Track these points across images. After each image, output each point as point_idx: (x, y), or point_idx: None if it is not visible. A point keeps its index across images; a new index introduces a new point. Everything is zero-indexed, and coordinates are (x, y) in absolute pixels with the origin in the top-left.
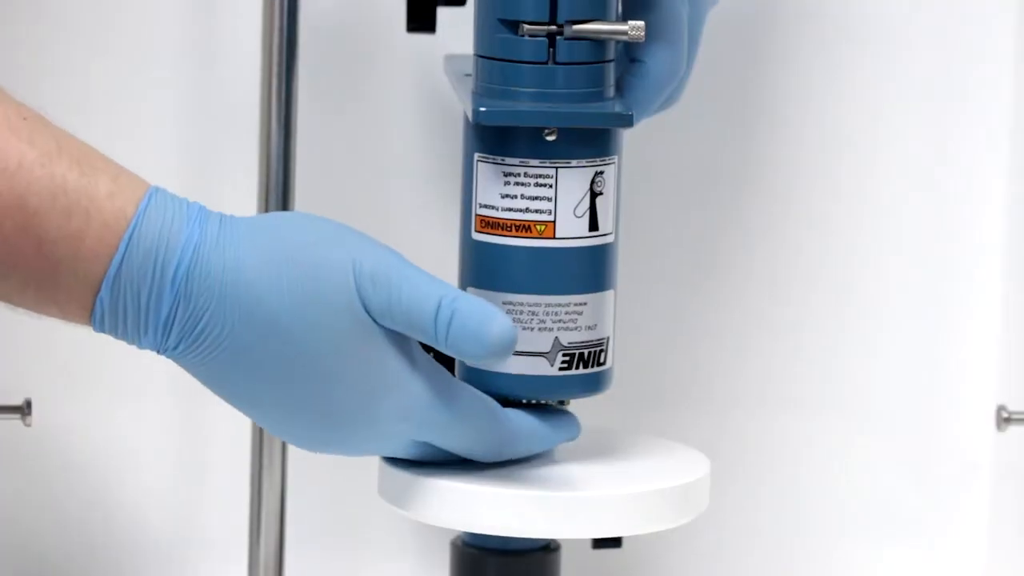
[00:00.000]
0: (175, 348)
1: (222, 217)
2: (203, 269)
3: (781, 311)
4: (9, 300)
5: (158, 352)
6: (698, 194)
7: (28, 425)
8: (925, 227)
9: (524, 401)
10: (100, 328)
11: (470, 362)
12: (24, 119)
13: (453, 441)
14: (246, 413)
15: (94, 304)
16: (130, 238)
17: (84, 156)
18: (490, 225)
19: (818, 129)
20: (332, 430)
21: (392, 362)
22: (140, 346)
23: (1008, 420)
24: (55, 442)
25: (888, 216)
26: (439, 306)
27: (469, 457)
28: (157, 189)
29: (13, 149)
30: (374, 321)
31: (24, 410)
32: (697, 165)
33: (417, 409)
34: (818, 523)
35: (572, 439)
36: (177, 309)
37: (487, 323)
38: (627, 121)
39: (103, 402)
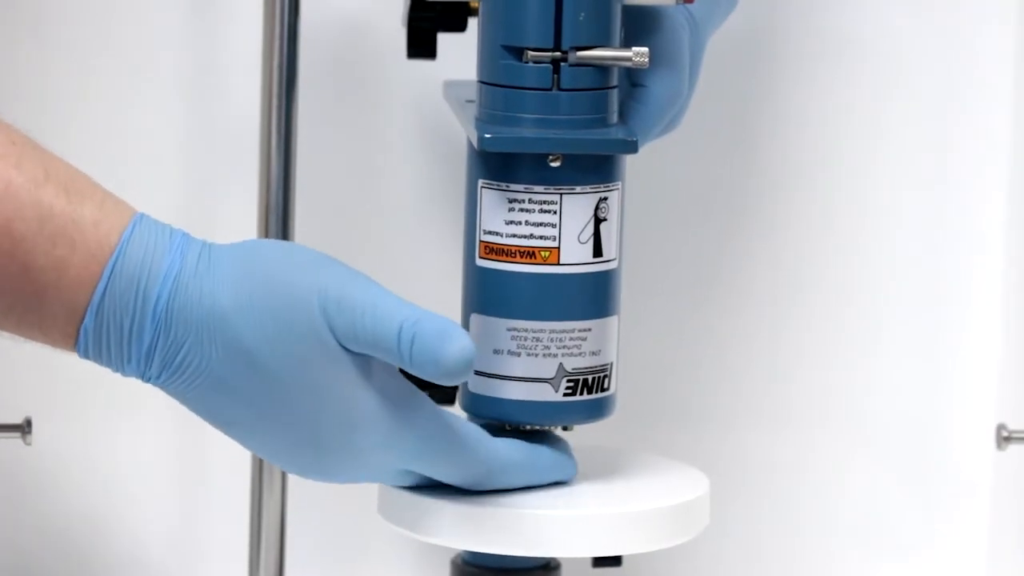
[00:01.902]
0: (158, 377)
1: (203, 246)
2: (182, 300)
3: (780, 329)
4: None
5: (142, 380)
6: (697, 211)
7: (28, 444)
8: (925, 244)
9: (528, 428)
10: (84, 355)
11: (435, 381)
12: (13, 144)
13: (436, 470)
14: (236, 440)
15: (78, 332)
16: (113, 267)
17: (71, 182)
18: (494, 251)
19: (818, 145)
20: (318, 459)
21: (365, 392)
22: (124, 374)
23: (1008, 439)
24: (55, 460)
25: (888, 233)
26: (400, 329)
27: (460, 484)
28: (142, 216)
29: (1, 174)
30: (343, 348)
31: (24, 428)
32: (695, 184)
33: (397, 440)
34: (818, 541)
35: (564, 480)
36: (158, 339)
37: (444, 343)
38: (632, 147)
39: (103, 420)
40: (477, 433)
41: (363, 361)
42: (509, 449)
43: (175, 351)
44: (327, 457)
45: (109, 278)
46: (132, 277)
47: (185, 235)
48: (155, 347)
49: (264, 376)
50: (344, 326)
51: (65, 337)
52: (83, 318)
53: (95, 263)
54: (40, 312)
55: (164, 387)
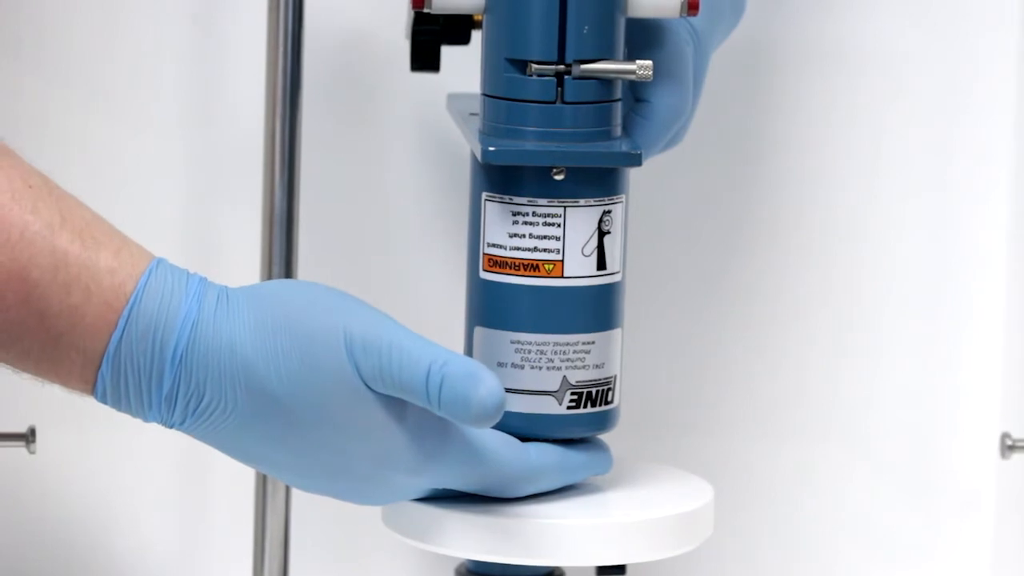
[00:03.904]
0: (181, 423)
1: (220, 292)
2: (201, 347)
3: (782, 339)
4: (12, 366)
5: (166, 426)
6: (700, 223)
7: (32, 452)
8: (927, 254)
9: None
10: (103, 401)
11: (465, 424)
12: (30, 187)
13: (471, 484)
14: (267, 474)
15: (96, 379)
16: (128, 315)
17: (87, 227)
18: (498, 264)
19: (820, 155)
20: (348, 489)
21: (392, 427)
22: (146, 419)
23: (1012, 447)
24: (59, 469)
25: (890, 243)
26: (428, 372)
27: (492, 495)
28: (159, 262)
29: (16, 219)
30: (368, 388)
31: (28, 437)
32: (698, 196)
33: (431, 469)
34: (820, 550)
35: (602, 473)
36: (178, 387)
37: (473, 387)
38: (636, 161)
39: (106, 429)
40: (508, 444)
41: (391, 399)
42: (541, 454)
43: (197, 398)
44: (362, 487)
45: (124, 326)
46: (148, 325)
47: (203, 280)
48: (176, 394)
49: (291, 418)
50: (370, 369)
51: (83, 383)
52: (100, 365)
53: (110, 311)
54: (56, 358)
55: (189, 432)
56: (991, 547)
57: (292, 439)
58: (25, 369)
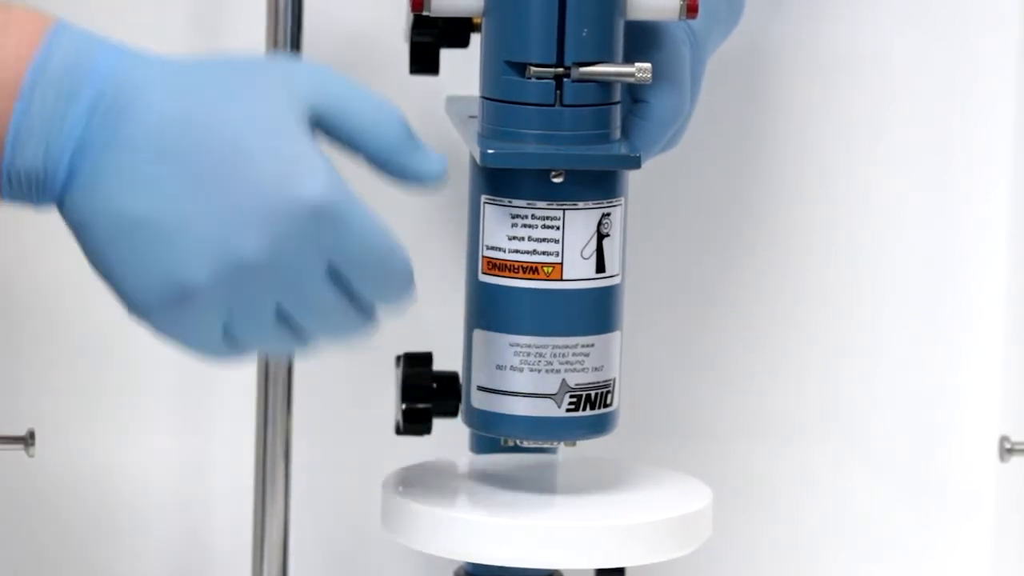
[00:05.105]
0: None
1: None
2: (130, 62)
3: (782, 342)
4: None
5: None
6: (699, 225)
7: (31, 455)
8: (926, 256)
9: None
10: (10, 163)
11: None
12: None
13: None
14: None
15: (11, 116)
16: (51, 43)
17: None
18: (497, 267)
19: (820, 156)
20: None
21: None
22: (48, 153)
23: (1011, 451)
24: (58, 472)
25: (890, 245)
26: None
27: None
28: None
29: None
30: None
31: (27, 440)
32: (697, 198)
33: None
34: (820, 553)
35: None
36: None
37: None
38: (635, 163)
39: (105, 432)
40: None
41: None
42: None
43: (106, 108)
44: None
45: (47, 53)
46: (70, 51)
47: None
48: (94, 108)
49: (197, 141)
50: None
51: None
52: (17, 98)
53: (31, 39)
54: None
55: (79, 170)
56: (990, 549)
57: (184, 166)
58: None
